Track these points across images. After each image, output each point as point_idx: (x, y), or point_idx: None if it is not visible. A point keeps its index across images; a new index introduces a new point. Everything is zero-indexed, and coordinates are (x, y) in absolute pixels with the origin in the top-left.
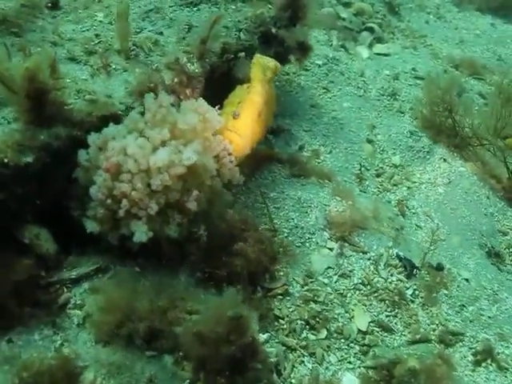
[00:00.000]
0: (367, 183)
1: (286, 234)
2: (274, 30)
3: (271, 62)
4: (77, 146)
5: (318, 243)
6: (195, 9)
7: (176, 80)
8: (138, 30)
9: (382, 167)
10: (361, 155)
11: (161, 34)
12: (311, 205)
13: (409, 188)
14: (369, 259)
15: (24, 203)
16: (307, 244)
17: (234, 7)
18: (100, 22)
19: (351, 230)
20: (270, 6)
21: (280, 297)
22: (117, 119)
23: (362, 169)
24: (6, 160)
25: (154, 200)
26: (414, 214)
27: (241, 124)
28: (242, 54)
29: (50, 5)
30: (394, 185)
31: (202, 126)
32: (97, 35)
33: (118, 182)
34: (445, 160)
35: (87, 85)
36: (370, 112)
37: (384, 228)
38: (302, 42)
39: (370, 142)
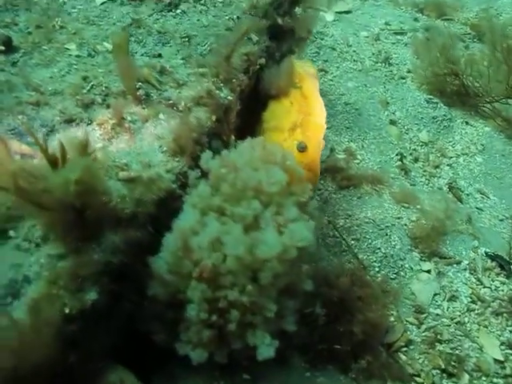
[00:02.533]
0: (412, 174)
1: (377, 269)
2: (280, 21)
3: (311, 68)
4: (142, 253)
5: (412, 268)
6: (179, 11)
7: (214, 118)
8: None
9: (414, 149)
10: (391, 141)
11: (159, 56)
12: (388, 224)
13: (450, 166)
14: (465, 269)
15: (96, 351)
16: (402, 273)
17: (220, 0)
18: (77, 57)
19: (436, 240)
20: None
21: (404, 349)
22: (174, 197)
23: (403, 158)
24: (67, 310)
25: (266, 296)
26: (468, 195)
27: (310, 158)
28: (262, 60)
29: (2, 48)
30: (436, 167)
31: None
32: (84, 78)
33: (220, 290)
34: (467, 123)
35: (112, 155)
36: (376, 87)
37: (459, 225)
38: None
39: (393, 123)
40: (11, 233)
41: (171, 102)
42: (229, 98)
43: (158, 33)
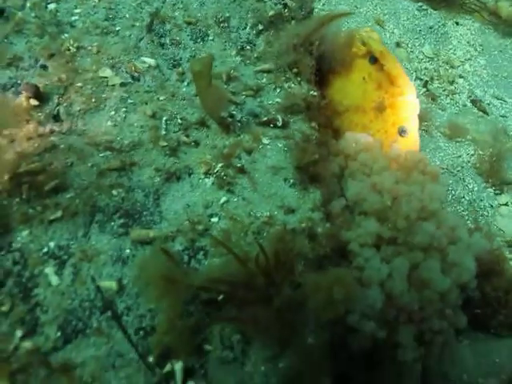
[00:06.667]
0: (440, 99)
1: (467, 217)
2: None
3: (373, 33)
4: None
5: (492, 206)
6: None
7: (315, 125)
8: None
9: (425, 68)
10: (405, 66)
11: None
12: (458, 167)
13: (462, 77)
14: None
15: None
16: (485, 213)
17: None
18: (122, 85)
19: (499, 168)
20: None
21: None
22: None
23: (427, 84)
24: None
25: (456, 311)
26: (488, 104)
27: (411, 142)
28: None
29: None
30: (451, 82)
31: None
32: (153, 114)
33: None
34: (457, 23)
35: (249, 208)
36: (364, 5)
37: (506, 144)
38: None
39: (398, 45)
40: (207, 347)
41: (265, 119)
42: (312, 93)
43: (187, 24)
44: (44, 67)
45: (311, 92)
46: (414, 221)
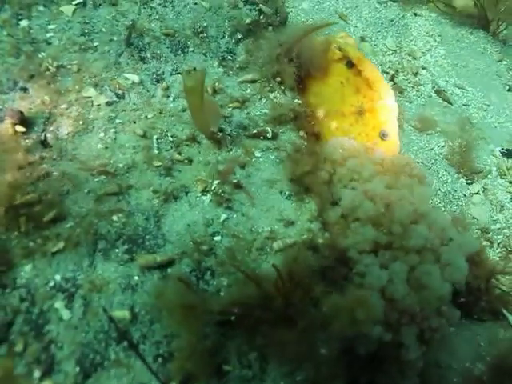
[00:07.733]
0: (406, 91)
1: (443, 209)
2: None
3: (348, 38)
4: None
5: (465, 195)
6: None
7: (304, 135)
8: None
9: (390, 61)
10: (370, 60)
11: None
12: (431, 160)
13: (424, 68)
14: (496, 176)
15: None
16: (459, 203)
17: None
18: (108, 104)
19: (468, 158)
20: None
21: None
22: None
23: (394, 77)
24: None
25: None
26: (451, 94)
27: (393, 145)
28: None
29: None
30: (415, 74)
31: None
32: (144, 134)
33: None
34: (416, 14)
35: (250, 224)
36: (327, 0)
37: (472, 133)
38: None
39: (363, 39)
40: (226, 367)
41: (254, 131)
42: (297, 101)
43: (166, 36)
44: (24, 90)
45: (296, 100)
46: (408, 225)
